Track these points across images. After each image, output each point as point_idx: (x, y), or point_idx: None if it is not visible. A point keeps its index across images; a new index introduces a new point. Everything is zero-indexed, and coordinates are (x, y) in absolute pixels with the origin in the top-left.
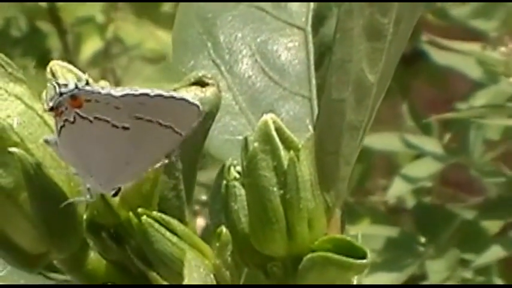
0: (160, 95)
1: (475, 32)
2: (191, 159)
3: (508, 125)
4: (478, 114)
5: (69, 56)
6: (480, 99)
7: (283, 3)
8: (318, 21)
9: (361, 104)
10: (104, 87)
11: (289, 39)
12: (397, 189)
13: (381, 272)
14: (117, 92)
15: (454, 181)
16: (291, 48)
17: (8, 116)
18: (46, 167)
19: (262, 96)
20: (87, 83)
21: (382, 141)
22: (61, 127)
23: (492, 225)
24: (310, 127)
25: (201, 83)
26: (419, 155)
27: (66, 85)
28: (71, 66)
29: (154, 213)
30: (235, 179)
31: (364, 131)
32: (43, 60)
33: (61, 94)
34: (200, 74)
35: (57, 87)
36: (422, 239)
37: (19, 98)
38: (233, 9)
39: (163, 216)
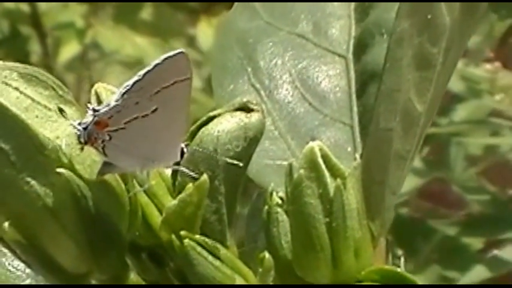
0: (147, 72)
1: None
2: (234, 183)
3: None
4: (459, 129)
5: (48, 60)
6: (460, 112)
7: (323, 31)
8: (360, 49)
9: (408, 133)
10: (113, 95)
11: (330, 67)
12: None
13: None
14: (119, 93)
15: (431, 193)
16: (331, 76)
17: (57, 137)
18: (92, 188)
19: (302, 122)
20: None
21: None
22: (103, 148)
23: (475, 242)
24: (356, 155)
25: (245, 108)
26: None
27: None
28: (115, 89)
29: (197, 236)
30: (277, 204)
31: (411, 161)
32: (23, 63)
33: (85, 129)
34: (245, 100)
35: (76, 124)
36: (399, 253)
37: (68, 120)
38: (274, 35)
39: (206, 239)
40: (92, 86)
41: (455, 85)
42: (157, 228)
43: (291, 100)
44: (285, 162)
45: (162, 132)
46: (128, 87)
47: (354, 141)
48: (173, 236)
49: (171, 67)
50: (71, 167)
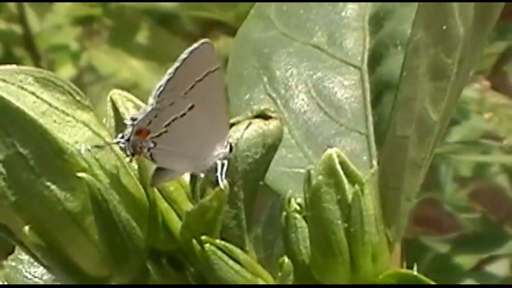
0: (177, 68)
1: None
2: (252, 189)
3: (480, 161)
4: (452, 150)
5: None
6: (454, 135)
7: (338, 42)
8: (375, 60)
9: (423, 141)
10: (149, 100)
11: (345, 77)
12: None
13: None
14: (154, 96)
15: (423, 217)
16: (347, 86)
17: (76, 142)
18: (113, 192)
19: (318, 131)
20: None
21: None
22: (151, 156)
23: (466, 260)
24: (373, 162)
25: (264, 116)
26: None
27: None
28: (130, 96)
29: (218, 241)
30: (295, 210)
31: (425, 168)
32: None
33: (128, 140)
34: (262, 107)
35: (120, 138)
36: None
37: (86, 125)
38: (289, 46)
39: (227, 244)
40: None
41: None
42: (178, 233)
43: (307, 109)
44: (302, 170)
45: (206, 127)
46: (161, 88)
47: (370, 150)
48: (194, 241)
49: (199, 59)
50: (91, 172)
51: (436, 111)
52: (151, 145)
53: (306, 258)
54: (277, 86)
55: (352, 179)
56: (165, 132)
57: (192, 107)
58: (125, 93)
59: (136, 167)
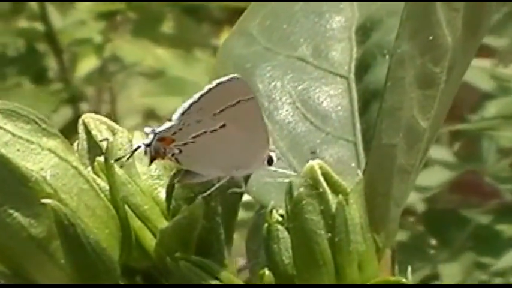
0: (202, 95)
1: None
2: (231, 203)
3: None
4: (490, 124)
5: (65, 74)
6: (491, 109)
7: (324, 53)
8: (362, 69)
9: (413, 148)
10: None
11: (332, 87)
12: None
13: None
14: (177, 115)
15: (464, 184)
16: (333, 95)
17: (41, 169)
18: (81, 216)
19: (304, 141)
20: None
21: None
22: (176, 159)
23: (509, 229)
24: (358, 170)
25: None
26: (429, 162)
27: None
28: (104, 118)
29: (193, 257)
30: (277, 221)
31: (416, 174)
32: (38, 78)
33: (148, 145)
34: None
35: (140, 144)
36: (433, 242)
37: (53, 151)
38: (273, 59)
39: (203, 260)
40: (113, 97)
41: (486, 84)
42: (152, 251)
43: (291, 120)
44: (286, 180)
45: (241, 144)
46: (184, 109)
47: (358, 157)
48: (168, 259)
49: (227, 90)
50: (57, 197)
51: (426, 119)
52: (177, 151)
53: (289, 269)
54: (260, 99)
55: (336, 189)
56: (193, 142)
57: (223, 125)
58: (98, 116)
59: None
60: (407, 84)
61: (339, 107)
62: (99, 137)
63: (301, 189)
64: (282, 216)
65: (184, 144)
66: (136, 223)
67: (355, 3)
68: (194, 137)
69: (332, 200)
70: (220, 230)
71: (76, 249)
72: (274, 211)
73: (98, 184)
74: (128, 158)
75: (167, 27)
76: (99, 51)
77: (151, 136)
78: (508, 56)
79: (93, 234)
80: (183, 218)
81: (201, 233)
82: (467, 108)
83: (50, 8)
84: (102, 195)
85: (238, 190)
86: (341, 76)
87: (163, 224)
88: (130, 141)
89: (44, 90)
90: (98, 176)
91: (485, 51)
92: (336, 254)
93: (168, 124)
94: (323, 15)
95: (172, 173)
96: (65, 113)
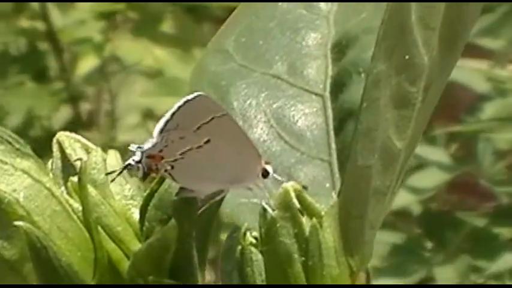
0: (173, 113)
1: (481, 49)
2: (204, 225)
3: None
4: (486, 126)
5: (65, 74)
6: (488, 111)
7: (299, 71)
8: (338, 87)
9: (388, 169)
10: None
11: (307, 105)
12: (403, 200)
13: (387, 277)
14: (156, 132)
15: (464, 186)
16: (308, 114)
17: (14, 190)
18: (53, 238)
19: (279, 160)
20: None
21: None
22: (170, 175)
23: (503, 232)
24: (332, 193)
25: None
26: (425, 164)
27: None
28: (78, 136)
29: (166, 280)
30: (251, 244)
31: (392, 195)
32: (40, 77)
33: (138, 162)
34: None
35: (131, 161)
36: (429, 245)
37: (26, 172)
38: (248, 77)
39: (176, 283)
40: (113, 97)
41: (482, 86)
42: (125, 273)
43: (266, 139)
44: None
45: (230, 158)
46: (161, 127)
47: (333, 177)
48: (141, 281)
49: (197, 107)
50: (30, 219)
51: (401, 139)
52: (169, 167)
53: None
54: (235, 117)
55: (310, 211)
56: (182, 158)
57: (208, 140)
58: (72, 134)
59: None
60: (382, 105)
61: (314, 126)
62: (73, 156)
63: (275, 212)
64: (256, 238)
65: (175, 160)
66: (109, 245)
67: (331, 20)
68: (182, 154)
69: (306, 223)
70: (193, 252)
71: (48, 272)
72: (248, 233)
73: (71, 205)
74: (119, 174)
75: (167, 26)
76: (99, 50)
77: (138, 154)
78: (504, 58)
79: (66, 257)
80: (156, 241)
81: (174, 256)
82: (464, 109)
83: (51, 7)
84: (75, 216)
85: (212, 210)
86: (316, 94)
87: (137, 245)
88: (105, 160)
89: (45, 89)
90: (71, 196)
91: (482, 53)
92: (310, 278)
93: (150, 142)
94: (299, 31)
95: (146, 194)
96: (66, 113)
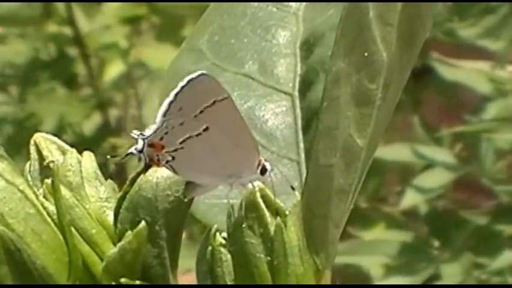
0: (177, 93)
1: (483, 50)
2: (175, 227)
3: None
4: (489, 126)
5: (93, 80)
6: (490, 111)
7: (269, 70)
8: (306, 86)
9: (350, 167)
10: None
11: (277, 105)
12: (410, 200)
13: (396, 275)
14: (159, 115)
15: (469, 185)
16: (278, 114)
17: None
18: (27, 241)
19: None
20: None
21: (394, 152)
22: (171, 167)
23: (505, 230)
24: (296, 192)
25: None
26: (431, 164)
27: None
28: (54, 138)
29: (138, 282)
30: (220, 244)
31: (354, 193)
32: (69, 83)
33: (140, 151)
34: None
35: (133, 150)
36: (436, 243)
37: None
38: (220, 76)
39: (148, 285)
40: (139, 103)
41: (484, 86)
42: (99, 275)
43: None
44: (233, 201)
45: (228, 150)
46: (165, 109)
47: (301, 177)
48: (114, 283)
49: (200, 88)
50: (4, 222)
51: (362, 137)
52: (170, 158)
53: None
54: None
55: (275, 211)
56: (181, 148)
57: (206, 128)
58: (49, 136)
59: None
60: (342, 103)
61: (284, 125)
62: (50, 158)
63: (241, 212)
64: (225, 239)
65: (175, 150)
66: (83, 247)
67: (300, 17)
68: (181, 142)
69: (271, 223)
70: (164, 254)
71: (23, 274)
72: (217, 234)
73: (46, 208)
74: (123, 159)
75: (189, 31)
76: (124, 56)
77: (140, 142)
78: (504, 58)
79: (40, 260)
80: (127, 243)
81: (145, 258)
82: (469, 110)
83: (77, 12)
84: (49, 219)
85: (182, 211)
86: (286, 93)
87: (110, 248)
88: (80, 162)
89: (75, 96)
90: (47, 199)
91: (482, 55)
92: (275, 277)
93: (152, 128)
94: (269, 29)
95: (118, 196)
96: (95, 119)
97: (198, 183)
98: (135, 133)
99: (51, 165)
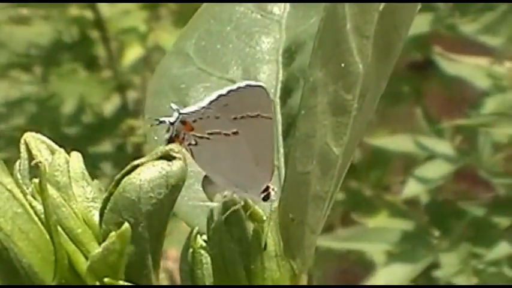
0: (230, 90)
1: (483, 46)
2: (157, 228)
3: None
4: (487, 121)
5: (113, 63)
6: (488, 106)
7: (253, 76)
8: (286, 93)
9: (326, 175)
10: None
11: None
12: (412, 190)
13: (397, 263)
14: (205, 102)
15: (469, 176)
16: None
17: None
18: (14, 239)
19: None
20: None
21: (398, 142)
22: (191, 151)
23: (502, 221)
24: (274, 198)
25: (168, 157)
26: (432, 156)
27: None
28: (44, 138)
29: (121, 282)
30: (201, 247)
31: (330, 200)
32: (90, 65)
33: (172, 123)
34: (167, 148)
35: (166, 119)
36: (436, 233)
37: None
38: (206, 81)
39: (130, 285)
40: None
41: (483, 82)
42: (83, 275)
43: None
44: (213, 204)
45: (248, 162)
46: (212, 99)
47: (280, 181)
48: (98, 283)
49: (252, 96)
50: None
51: (339, 146)
52: (193, 142)
53: None
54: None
55: (253, 216)
56: (207, 138)
57: (236, 132)
58: (38, 135)
59: (42, 210)
60: (319, 112)
61: None
62: (39, 157)
63: (221, 216)
64: (206, 241)
65: (201, 137)
66: (70, 246)
67: (283, 24)
68: (210, 134)
69: (249, 227)
70: (147, 255)
71: (9, 272)
72: (198, 236)
73: (33, 207)
74: (151, 125)
75: None
76: (143, 40)
77: (176, 114)
78: (503, 55)
79: (26, 259)
80: (111, 244)
81: (129, 258)
82: (470, 103)
83: None
84: (36, 218)
85: (164, 213)
86: None
87: (96, 248)
88: (68, 162)
89: (96, 78)
90: (35, 198)
91: (481, 50)
92: (252, 281)
93: (192, 108)
94: (253, 36)
95: (104, 197)
96: (114, 101)
97: (213, 180)
98: (173, 105)
99: (39, 164)
